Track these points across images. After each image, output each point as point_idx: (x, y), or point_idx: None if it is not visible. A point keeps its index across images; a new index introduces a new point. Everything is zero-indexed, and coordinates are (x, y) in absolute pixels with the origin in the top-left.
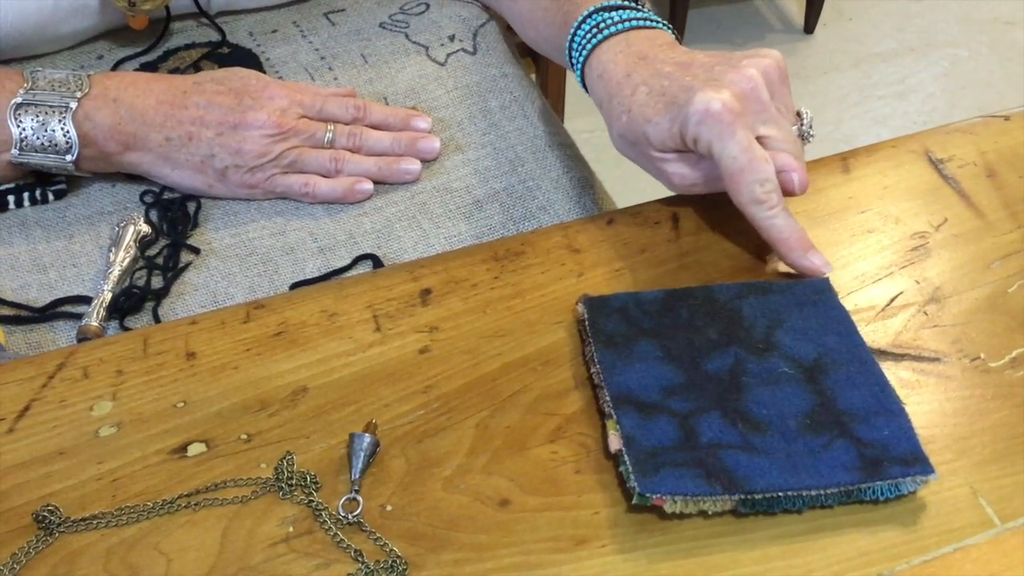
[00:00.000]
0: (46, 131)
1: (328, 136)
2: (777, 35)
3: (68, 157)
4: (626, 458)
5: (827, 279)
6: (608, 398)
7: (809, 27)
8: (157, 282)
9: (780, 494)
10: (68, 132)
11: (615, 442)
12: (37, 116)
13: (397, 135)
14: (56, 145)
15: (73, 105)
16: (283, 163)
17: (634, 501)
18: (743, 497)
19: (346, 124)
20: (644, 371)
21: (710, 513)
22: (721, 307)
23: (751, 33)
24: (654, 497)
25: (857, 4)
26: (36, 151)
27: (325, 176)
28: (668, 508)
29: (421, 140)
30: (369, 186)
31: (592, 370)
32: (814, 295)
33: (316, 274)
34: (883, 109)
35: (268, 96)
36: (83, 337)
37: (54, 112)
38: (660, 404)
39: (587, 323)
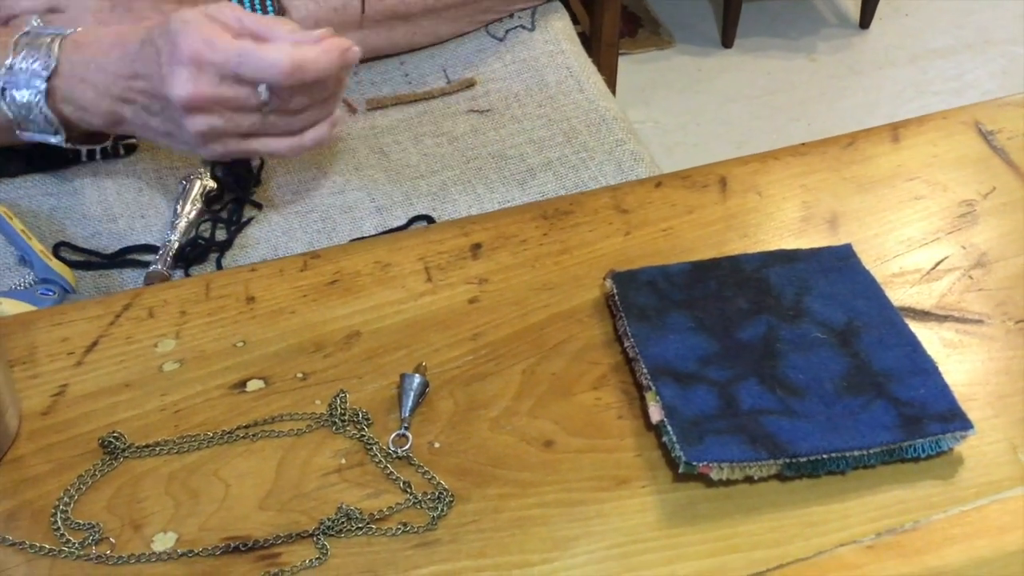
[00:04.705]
0: (31, 116)
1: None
2: (832, 30)
3: (58, 138)
4: (669, 428)
5: (849, 245)
6: (645, 370)
7: (865, 22)
8: (221, 235)
9: (824, 456)
10: (48, 116)
11: (656, 413)
12: (20, 97)
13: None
14: (50, 125)
15: (44, 86)
16: (223, 133)
17: (680, 470)
18: (788, 461)
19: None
20: (679, 342)
21: (756, 479)
22: (748, 276)
23: (806, 27)
24: (700, 465)
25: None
26: (35, 133)
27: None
28: (715, 475)
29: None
30: (325, 132)
31: (626, 344)
32: (838, 261)
33: (373, 232)
34: (939, 105)
35: (172, 71)
36: (150, 282)
37: (32, 94)
38: (698, 374)
39: (617, 298)
